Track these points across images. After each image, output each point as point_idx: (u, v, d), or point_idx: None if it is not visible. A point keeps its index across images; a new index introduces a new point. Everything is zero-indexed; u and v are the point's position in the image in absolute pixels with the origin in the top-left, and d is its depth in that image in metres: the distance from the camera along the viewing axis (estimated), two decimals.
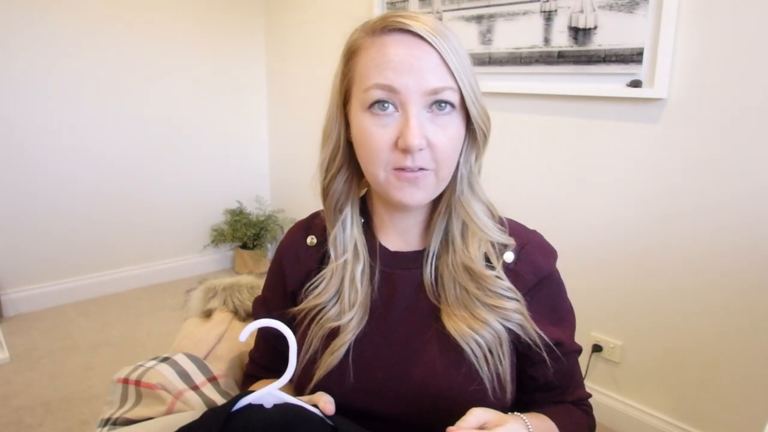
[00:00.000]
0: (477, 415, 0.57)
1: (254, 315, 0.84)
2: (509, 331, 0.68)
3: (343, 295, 0.71)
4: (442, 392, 0.66)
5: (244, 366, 0.95)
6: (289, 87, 3.01)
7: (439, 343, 0.68)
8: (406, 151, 0.61)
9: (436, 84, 0.62)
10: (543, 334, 0.68)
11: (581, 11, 1.63)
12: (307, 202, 2.91)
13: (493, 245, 0.71)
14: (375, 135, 0.63)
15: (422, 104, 0.62)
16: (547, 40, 1.73)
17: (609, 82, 1.61)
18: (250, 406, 0.59)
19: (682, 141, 1.50)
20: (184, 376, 0.85)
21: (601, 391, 1.76)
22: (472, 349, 0.66)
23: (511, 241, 0.71)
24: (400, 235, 0.74)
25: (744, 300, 1.44)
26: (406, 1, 2.16)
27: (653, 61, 1.49)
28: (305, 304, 0.73)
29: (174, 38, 2.75)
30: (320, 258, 0.76)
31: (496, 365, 0.67)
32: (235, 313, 1.02)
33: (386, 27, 0.64)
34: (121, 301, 2.69)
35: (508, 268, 0.70)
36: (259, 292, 1.03)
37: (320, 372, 0.69)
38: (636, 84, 1.54)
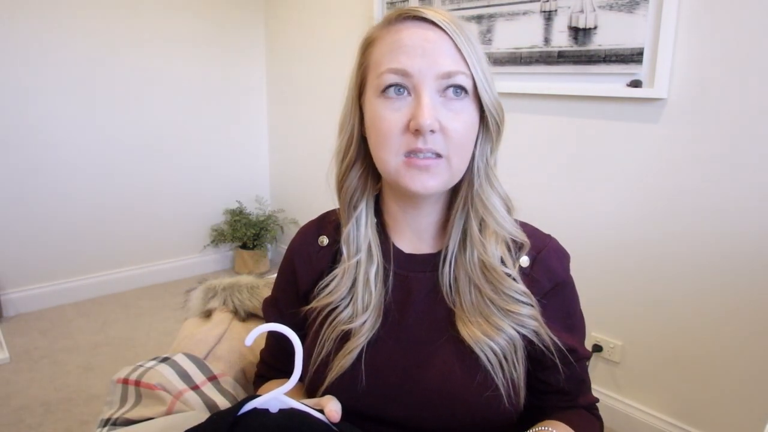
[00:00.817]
0: None
1: (264, 315, 0.83)
2: (523, 336, 0.67)
3: (357, 297, 0.70)
4: (456, 399, 0.65)
5: (244, 366, 0.95)
6: (289, 87, 3.01)
7: (453, 350, 0.67)
8: (417, 132, 0.61)
9: (449, 68, 0.61)
10: (558, 341, 0.68)
11: (581, 11, 1.63)
12: (307, 202, 2.94)
13: (508, 248, 0.70)
14: (387, 118, 0.62)
15: (435, 88, 0.62)
16: (547, 40, 1.72)
17: (609, 82, 1.61)
18: (255, 410, 0.58)
19: (682, 141, 1.50)
20: (184, 376, 0.85)
21: (601, 391, 1.76)
22: (486, 356, 0.65)
23: (526, 240, 0.70)
24: (414, 236, 0.73)
25: (744, 300, 1.44)
26: (406, 1, 2.16)
27: (653, 61, 1.49)
28: (317, 303, 0.72)
29: (174, 39, 2.75)
30: (333, 257, 0.75)
31: (510, 372, 0.66)
32: (235, 313, 1.02)
33: (401, 16, 0.65)
34: (121, 301, 2.69)
35: (523, 273, 0.70)
36: (258, 292, 1.04)
37: (332, 375, 0.68)
38: (636, 84, 1.54)
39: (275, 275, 1.13)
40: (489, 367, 0.65)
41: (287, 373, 0.69)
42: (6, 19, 2.27)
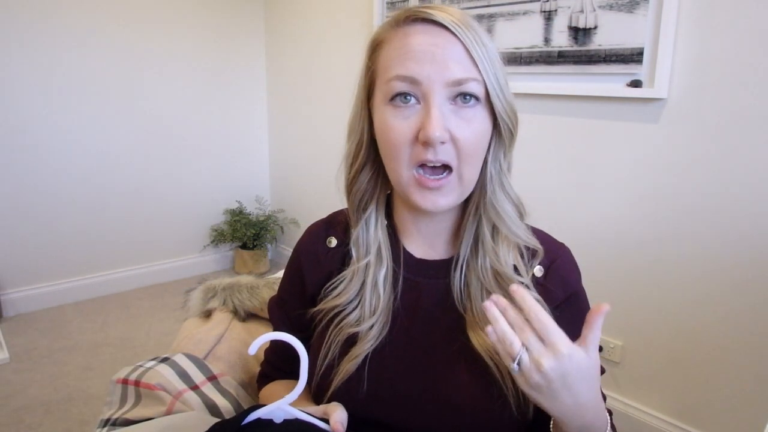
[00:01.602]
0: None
1: (270, 315, 0.82)
2: None
3: (364, 300, 0.68)
4: (464, 407, 0.64)
5: (244, 366, 0.95)
6: (289, 87, 3.01)
7: (463, 358, 0.66)
8: (427, 144, 0.59)
9: (460, 75, 0.59)
10: None
11: (581, 11, 1.63)
12: (307, 202, 2.93)
13: (521, 255, 0.68)
14: (396, 128, 0.61)
15: (445, 96, 0.60)
16: (547, 40, 1.72)
17: (609, 82, 1.61)
18: (259, 420, 0.57)
19: (682, 141, 1.50)
20: (183, 376, 0.85)
21: (602, 391, 1.76)
22: (496, 365, 0.64)
23: (539, 247, 0.69)
24: (426, 241, 0.72)
25: (744, 300, 1.44)
26: (406, 0, 2.16)
27: (653, 61, 1.49)
28: (324, 305, 0.71)
29: (174, 38, 2.75)
30: (341, 259, 0.74)
31: None
32: (235, 313, 1.02)
33: (409, 17, 0.62)
34: (121, 301, 2.69)
35: (537, 282, 0.68)
36: (258, 292, 1.04)
37: (338, 379, 0.66)
38: (636, 84, 1.54)
39: (275, 275, 1.13)
40: (499, 377, 0.64)
41: (291, 374, 0.68)
42: (2, 18, 2.27)
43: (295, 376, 0.56)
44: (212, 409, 0.81)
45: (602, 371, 0.72)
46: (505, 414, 0.64)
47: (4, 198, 2.39)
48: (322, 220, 0.80)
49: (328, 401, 0.66)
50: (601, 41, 1.59)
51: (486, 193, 0.66)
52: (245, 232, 2.96)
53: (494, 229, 0.68)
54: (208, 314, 1.04)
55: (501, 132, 0.65)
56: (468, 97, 0.60)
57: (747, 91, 1.37)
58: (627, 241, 1.65)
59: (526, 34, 1.77)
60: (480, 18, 1.89)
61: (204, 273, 3.06)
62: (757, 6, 1.33)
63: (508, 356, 0.53)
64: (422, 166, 0.61)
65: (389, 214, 0.74)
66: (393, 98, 0.61)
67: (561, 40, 1.69)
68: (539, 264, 0.69)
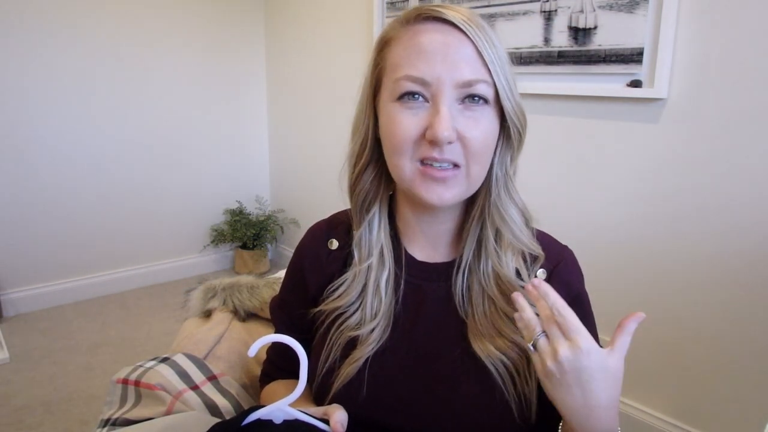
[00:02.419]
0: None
1: (271, 316, 0.82)
2: None
3: (366, 302, 0.68)
4: (465, 413, 0.64)
5: (244, 365, 0.95)
6: (289, 87, 3.01)
7: (464, 363, 0.65)
8: (433, 143, 0.58)
9: (470, 76, 0.58)
10: None
11: (581, 11, 1.63)
12: (307, 202, 2.93)
13: (524, 259, 0.68)
14: (402, 124, 0.60)
15: (454, 96, 0.59)
16: (547, 40, 1.72)
17: (609, 82, 1.61)
18: (259, 421, 0.57)
19: (682, 141, 1.50)
20: (183, 376, 0.85)
21: None
22: (498, 371, 0.64)
23: (540, 253, 0.68)
24: (428, 244, 0.71)
25: (744, 300, 1.44)
26: (406, 0, 2.16)
27: (653, 61, 1.49)
28: (325, 306, 0.70)
29: (174, 39, 2.75)
30: (343, 261, 0.73)
31: (522, 386, 0.64)
32: (235, 313, 1.02)
33: (420, 15, 0.61)
34: (121, 301, 2.69)
35: None
36: (258, 292, 1.04)
37: (338, 383, 0.66)
38: (636, 84, 1.54)
39: (275, 275, 1.13)
40: (500, 382, 0.64)
41: (293, 374, 0.68)
42: (2, 18, 2.27)
43: (297, 376, 0.56)
44: (212, 409, 0.81)
45: None
46: (507, 420, 0.64)
47: (4, 198, 2.39)
48: (323, 221, 0.79)
49: (329, 403, 0.65)
50: (601, 41, 1.59)
51: (491, 195, 0.66)
52: (245, 232, 2.96)
53: (498, 233, 0.67)
54: (208, 314, 1.04)
55: (509, 134, 0.65)
56: (477, 99, 0.60)
57: (747, 91, 1.37)
58: (626, 240, 1.65)
59: (526, 34, 1.77)
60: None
61: (204, 273, 3.06)
62: (757, 6, 1.33)
63: (528, 339, 0.55)
64: (428, 161, 0.61)
65: (391, 216, 0.73)
66: (401, 97, 0.60)
67: (561, 40, 1.69)
68: (542, 267, 0.68)
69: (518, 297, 0.56)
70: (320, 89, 2.76)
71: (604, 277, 1.71)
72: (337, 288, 0.71)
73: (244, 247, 3.04)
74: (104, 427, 0.79)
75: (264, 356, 0.92)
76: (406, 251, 0.71)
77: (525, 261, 0.68)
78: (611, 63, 1.58)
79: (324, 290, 0.73)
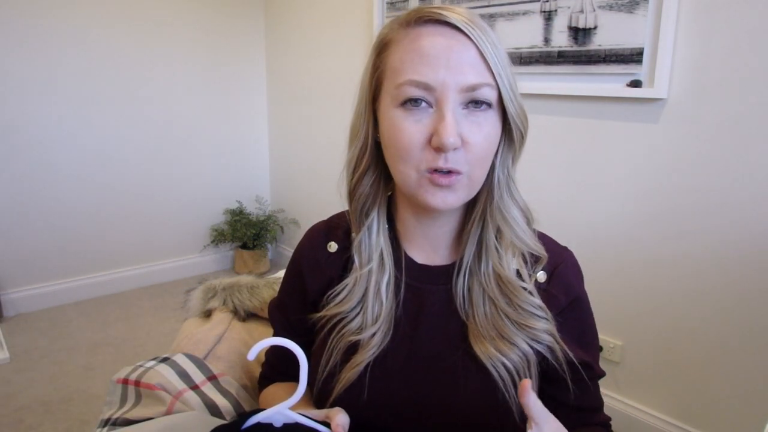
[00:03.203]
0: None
1: (270, 319, 0.82)
2: (536, 352, 0.65)
3: (367, 307, 0.67)
4: (466, 415, 0.64)
5: (244, 366, 0.95)
6: (289, 87, 3.01)
7: (465, 365, 0.65)
8: (439, 149, 0.58)
9: (474, 80, 0.58)
10: (573, 358, 0.66)
11: (581, 11, 1.63)
12: (307, 202, 2.93)
13: (525, 260, 0.68)
14: (407, 131, 0.59)
15: (458, 101, 0.58)
16: (547, 40, 1.72)
17: (609, 82, 1.61)
18: (259, 424, 0.57)
19: (682, 141, 1.50)
20: (183, 376, 0.85)
21: (601, 391, 1.76)
22: (499, 373, 0.63)
23: (543, 254, 0.68)
24: (428, 246, 0.71)
25: (744, 300, 1.44)
26: (406, 0, 2.16)
27: (653, 61, 1.49)
28: (326, 312, 0.70)
29: (174, 38, 2.75)
30: (343, 264, 0.72)
31: None
32: (235, 313, 1.02)
33: (421, 18, 0.60)
34: (121, 301, 2.69)
35: (540, 288, 0.67)
36: (258, 292, 1.04)
37: (339, 387, 0.66)
38: (636, 84, 1.54)
39: (275, 275, 1.13)
40: (501, 384, 0.63)
41: (292, 377, 0.68)
42: (2, 17, 2.27)
43: (296, 379, 0.56)
44: (212, 409, 0.81)
45: (602, 374, 0.73)
46: (508, 422, 0.64)
47: (4, 198, 2.39)
48: (322, 223, 0.78)
49: (331, 407, 0.65)
50: (601, 41, 1.59)
51: (493, 198, 0.66)
52: (245, 232, 2.96)
53: (499, 234, 0.67)
54: (208, 314, 1.04)
55: (512, 136, 0.64)
56: (480, 103, 0.59)
57: (747, 91, 1.37)
58: (626, 240, 1.65)
59: (526, 34, 1.77)
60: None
61: (204, 273, 3.06)
62: (757, 6, 1.33)
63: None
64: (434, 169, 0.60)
65: (390, 219, 0.72)
66: (404, 103, 0.59)
67: (561, 40, 1.69)
68: (542, 269, 0.68)
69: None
70: (320, 89, 2.76)
71: (604, 277, 1.71)
72: (338, 293, 0.70)
73: (244, 247, 3.04)
74: (104, 427, 0.79)
75: (264, 357, 0.92)
76: (406, 254, 0.71)
77: (526, 262, 0.68)
78: (611, 63, 1.58)
79: (323, 294, 0.72)
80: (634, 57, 1.53)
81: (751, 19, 1.34)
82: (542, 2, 1.72)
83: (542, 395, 0.70)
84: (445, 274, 0.69)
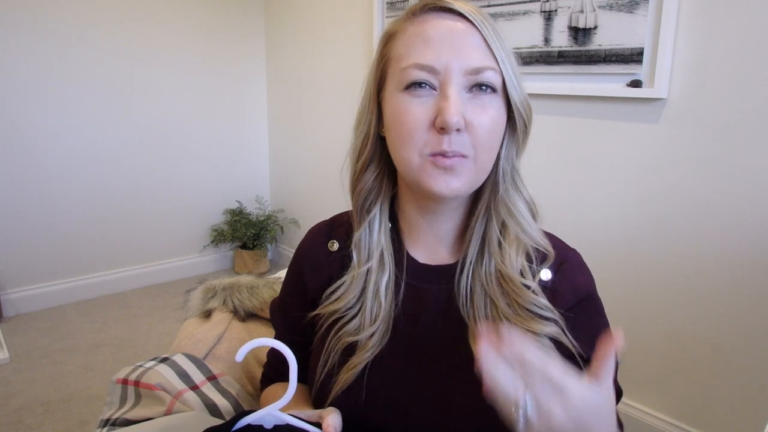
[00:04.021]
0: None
1: (271, 318, 0.81)
2: None
3: (365, 307, 0.66)
4: (466, 418, 0.62)
5: (243, 366, 0.95)
6: (289, 87, 3.01)
7: (466, 367, 0.63)
8: (443, 130, 0.57)
9: (478, 63, 0.58)
10: (581, 357, 0.63)
11: (581, 11, 1.63)
12: (307, 202, 2.92)
13: (529, 259, 0.66)
14: (411, 113, 0.59)
15: (462, 84, 0.58)
16: (547, 40, 1.72)
17: (609, 82, 1.61)
18: (249, 426, 0.57)
19: (682, 141, 1.50)
20: (183, 376, 0.85)
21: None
22: None
23: (550, 251, 0.66)
24: (432, 243, 0.69)
25: (744, 300, 1.44)
26: (406, 0, 2.16)
27: (653, 61, 1.49)
28: (323, 309, 0.69)
29: (174, 38, 2.76)
30: (342, 262, 0.71)
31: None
32: (235, 313, 1.02)
33: (426, 7, 0.61)
34: (121, 301, 2.69)
35: (545, 286, 0.66)
36: (258, 292, 1.04)
37: (336, 388, 0.65)
38: (636, 84, 1.54)
39: (275, 275, 1.13)
40: None
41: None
42: (6, 18, 2.27)
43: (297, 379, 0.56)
44: (212, 409, 0.81)
45: (620, 393, 0.68)
46: (510, 425, 0.63)
47: (4, 198, 2.39)
48: (324, 222, 0.78)
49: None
50: (601, 41, 1.59)
51: (498, 190, 0.65)
52: (245, 232, 2.96)
53: (503, 229, 0.66)
54: (208, 314, 1.04)
55: (515, 127, 0.64)
56: (485, 87, 0.59)
57: (747, 91, 1.37)
58: (626, 240, 1.65)
59: (526, 34, 1.77)
60: None
61: (204, 273, 3.06)
62: (757, 6, 1.33)
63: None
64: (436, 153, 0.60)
65: (393, 218, 0.72)
66: (409, 87, 0.59)
67: (561, 40, 1.69)
68: (547, 267, 0.67)
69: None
70: (320, 89, 2.76)
71: (603, 277, 1.71)
72: (334, 291, 0.69)
73: (244, 247, 3.04)
74: (104, 427, 0.79)
75: (266, 358, 0.92)
76: (408, 254, 0.70)
77: (531, 261, 0.66)
78: (611, 63, 1.58)
79: (322, 293, 0.71)
80: (634, 57, 1.53)
81: (751, 19, 1.34)
82: (542, 2, 1.72)
83: None
84: (447, 273, 0.68)
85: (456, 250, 0.70)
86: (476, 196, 0.67)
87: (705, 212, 1.48)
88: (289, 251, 3.17)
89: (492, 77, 0.59)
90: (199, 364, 0.89)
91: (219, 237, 3.02)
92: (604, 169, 1.67)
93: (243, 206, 3.11)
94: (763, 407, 1.42)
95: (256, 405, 0.87)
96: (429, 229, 0.69)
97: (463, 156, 0.59)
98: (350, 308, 0.68)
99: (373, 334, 0.65)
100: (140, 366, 0.87)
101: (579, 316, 0.66)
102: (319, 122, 2.81)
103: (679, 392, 1.60)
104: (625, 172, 1.62)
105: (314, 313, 0.71)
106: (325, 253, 0.73)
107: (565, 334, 0.63)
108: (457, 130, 0.57)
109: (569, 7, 1.65)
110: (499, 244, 0.65)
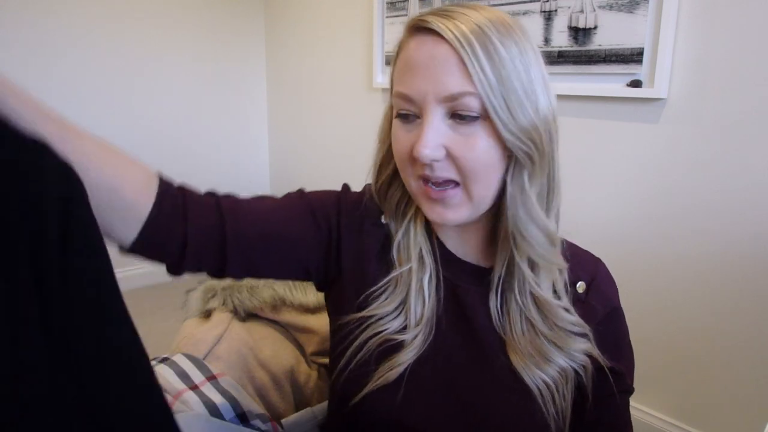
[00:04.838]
0: None
1: (280, 198, 0.70)
2: (573, 369, 0.65)
3: (409, 306, 0.65)
4: (503, 428, 0.63)
5: (244, 366, 0.95)
6: (289, 86, 3.01)
7: (505, 378, 0.64)
8: (418, 162, 0.57)
9: (454, 89, 0.54)
10: (605, 362, 0.66)
11: (581, 11, 1.63)
12: None
13: (560, 272, 0.66)
14: (401, 141, 0.59)
15: (442, 112, 0.56)
16: (547, 40, 1.72)
17: (609, 82, 1.61)
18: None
19: (682, 141, 1.50)
20: (183, 376, 0.85)
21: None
22: (539, 389, 0.62)
23: (563, 265, 0.65)
24: (460, 240, 0.68)
25: (744, 299, 1.44)
26: (406, 0, 2.16)
27: (653, 61, 1.49)
28: (367, 312, 0.66)
29: (174, 37, 2.75)
30: (381, 241, 0.68)
31: (560, 403, 0.64)
32: (235, 313, 1.02)
33: (413, 26, 0.58)
34: None
35: (578, 299, 0.66)
36: (258, 291, 1.03)
37: (372, 385, 0.63)
38: (636, 84, 1.54)
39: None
40: (540, 401, 0.62)
41: (200, 228, 0.64)
42: (6, 18, 2.27)
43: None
44: (212, 409, 0.81)
45: (631, 389, 0.75)
46: None
47: None
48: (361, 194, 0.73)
49: (359, 404, 0.63)
50: (601, 41, 1.59)
51: (508, 217, 0.61)
52: None
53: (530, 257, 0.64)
54: (207, 314, 1.04)
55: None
56: (464, 115, 0.55)
57: (747, 91, 1.37)
58: (626, 240, 1.65)
59: None
60: None
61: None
62: (757, 6, 1.33)
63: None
64: (425, 178, 0.59)
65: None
66: (398, 115, 0.60)
67: (561, 40, 1.69)
68: (581, 280, 0.67)
69: None
70: (320, 89, 2.76)
71: None
72: (378, 295, 0.67)
73: None
74: None
75: (266, 357, 0.92)
76: (442, 246, 0.68)
77: (561, 273, 0.66)
78: (611, 63, 1.58)
79: (351, 263, 0.68)
80: (634, 57, 1.53)
81: (751, 19, 1.34)
82: (542, 2, 1.72)
83: (575, 410, 0.68)
84: (479, 276, 0.67)
85: (486, 256, 0.68)
86: (499, 211, 0.63)
87: (705, 212, 1.48)
88: None
89: (471, 103, 0.55)
90: (199, 364, 0.89)
91: None
92: (604, 169, 1.67)
93: None
94: (762, 407, 1.42)
95: (256, 405, 0.87)
96: (456, 226, 0.66)
97: (451, 180, 0.57)
98: (394, 308, 0.66)
99: (417, 335, 0.64)
100: None
101: (609, 327, 0.69)
102: (319, 122, 2.81)
103: (679, 392, 1.60)
104: (625, 172, 1.62)
105: (356, 316, 0.67)
106: (371, 220, 0.69)
107: (592, 353, 0.65)
108: (435, 160, 0.56)
109: (569, 7, 1.65)
110: (530, 267, 0.63)
